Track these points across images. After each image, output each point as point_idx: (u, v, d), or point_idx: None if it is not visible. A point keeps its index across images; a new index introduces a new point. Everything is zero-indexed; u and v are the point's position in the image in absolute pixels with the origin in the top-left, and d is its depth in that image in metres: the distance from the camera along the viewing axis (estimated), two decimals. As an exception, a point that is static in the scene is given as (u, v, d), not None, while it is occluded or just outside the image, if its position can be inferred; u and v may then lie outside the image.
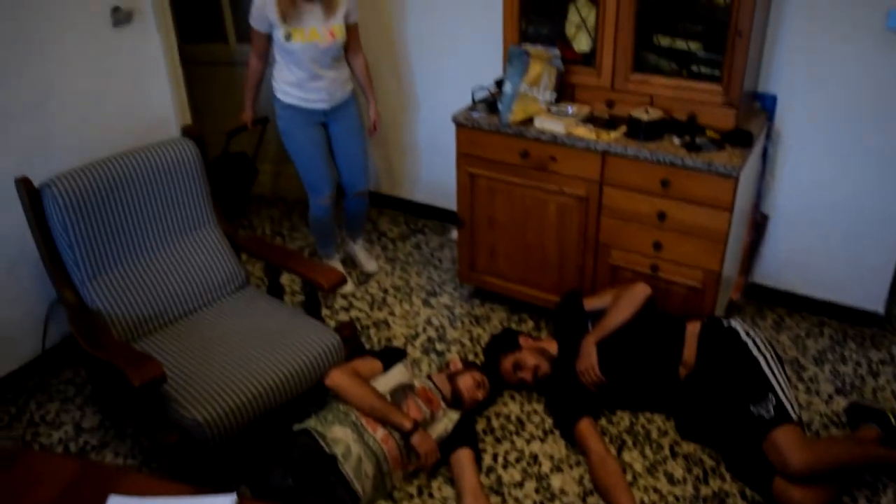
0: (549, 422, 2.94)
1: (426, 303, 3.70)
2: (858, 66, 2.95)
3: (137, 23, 3.22)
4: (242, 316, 2.86)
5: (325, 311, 3.55)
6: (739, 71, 2.78)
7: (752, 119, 3.07)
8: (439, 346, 3.38)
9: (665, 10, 2.94)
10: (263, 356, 2.61)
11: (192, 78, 3.99)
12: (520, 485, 2.66)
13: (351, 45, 3.42)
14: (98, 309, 2.70)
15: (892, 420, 2.67)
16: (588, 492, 2.62)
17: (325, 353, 2.67)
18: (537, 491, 2.64)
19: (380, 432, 2.50)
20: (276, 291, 3.12)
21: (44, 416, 3.03)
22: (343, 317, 3.61)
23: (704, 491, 2.61)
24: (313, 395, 2.70)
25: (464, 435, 2.68)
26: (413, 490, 2.64)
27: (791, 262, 3.45)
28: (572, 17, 3.14)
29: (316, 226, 3.74)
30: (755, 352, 2.69)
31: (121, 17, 3.14)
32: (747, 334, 2.76)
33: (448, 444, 2.64)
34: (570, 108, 3.08)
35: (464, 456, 2.61)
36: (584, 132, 2.97)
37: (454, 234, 4.19)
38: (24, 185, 2.60)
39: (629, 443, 2.83)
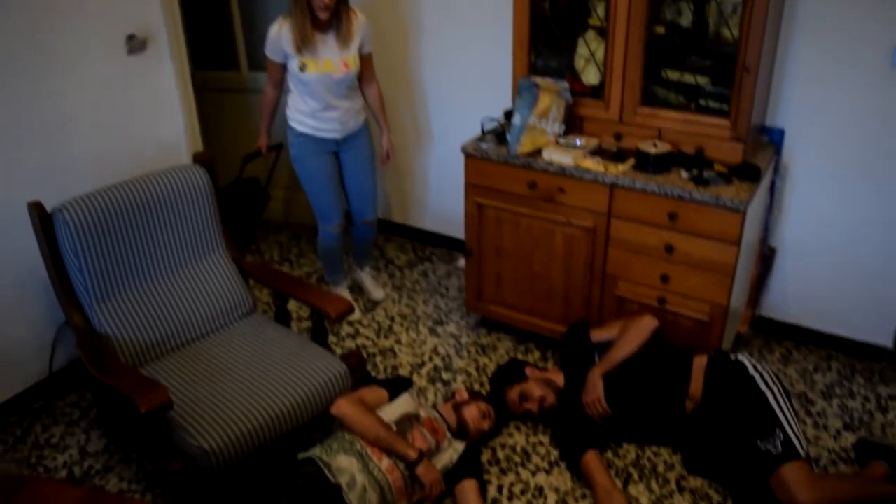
0: (554, 454, 2.92)
1: (432, 331, 3.70)
2: (865, 101, 2.97)
3: (151, 50, 3.27)
4: (249, 343, 2.86)
5: (331, 338, 3.56)
6: (747, 106, 2.80)
7: (760, 152, 3.09)
8: (445, 376, 3.38)
9: (673, 44, 2.97)
10: (270, 384, 2.61)
11: (204, 104, 4.03)
12: (524, 517, 2.65)
13: (365, 74, 3.46)
14: (106, 333, 2.71)
15: (901, 457, 2.66)
16: (593, 526, 2.61)
17: (332, 382, 2.67)
18: (542, 524, 2.62)
19: (385, 462, 2.49)
20: (283, 318, 3.13)
21: (49, 438, 3.03)
22: (349, 344, 3.61)
23: (711, 527, 2.60)
24: (319, 423, 2.70)
25: (469, 466, 2.67)
26: (417, 521, 2.63)
27: (799, 295, 3.45)
28: (581, 51, 3.17)
29: (324, 253, 3.76)
30: (762, 386, 2.68)
31: (135, 45, 3.18)
32: (755, 368, 2.75)
33: (453, 475, 2.63)
34: (579, 140, 3.10)
35: (469, 487, 2.60)
36: (593, 164, 2.98)
37: (461, 262, 4.20)
38: (36, 209, 2.63)
39: (635, 476, 2.81)
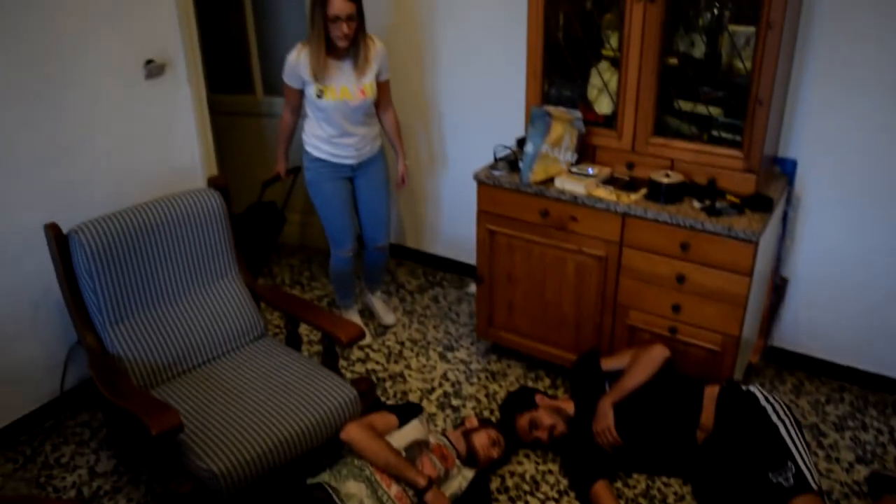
0: (564, 482, 2.91)
1: (443, 357, 3.70)
2: (879, 131, 2.97)
3: (169, 75, 3.31)
4: (260, 366, 2.87)
5: (341, 362, 3.56)
6: (760, 138, 2.81)
7: (773, 183, 3.09)
8: (455, 402, 3.37)
9: (686, 75, 2.98)
10: (280, 408, 2.62)
11: (218, 127, 4.07)
12: (533, 547, 2.63)
13: (382, 101, 3.49)
14: (118, 354, 2.72)
15: (915, 493, 2.63)
16: (602, 557, 2.59)
17: (342, 407, 2.68)
18: (551, 554, 2.60)
19: (394, 489, 2.48)
20: (294, 342, 3.13)
21: (59, 458, 3.04)
22: (359, 368, 3.61)
23: (721, 560, 2.57)
24: (328, 448, 2.69)
25: (478, 494, 2.66)
26: (425, 549, 2.61)
27: (811, 325, 3.44)
28: (594, 81, 3.19)
29: (336, 277, 3.78)
30: (774, 418, 2.66)
31: (153, 70, 3.23)
32: (766, 399, 2.73)
33: (462, 503, 2.61)
34: (591, 170, 3.11)
35: (477, 515, 2.59)
36: (605, 193, 3.00)
37: (472, 287, 4.21)
38: (52, 230, 2.66)
39: (645, 507, 2.80)
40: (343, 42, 3.17)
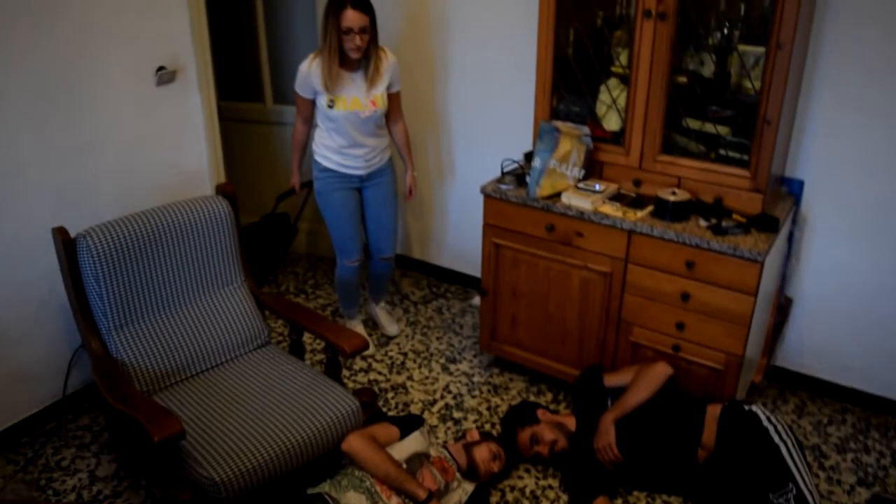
0: (564, 498, 2.90)
1: (445, 369, 3.70)
2: (886, 153, 2.98)
3: (180, 82, 3.33)
4: (263, 375, 2.88)
5: (343, 372, 3.56)
6: (767, 158, 2.81)
7: (779, 203, 3.10)
8: (456, 414, 3.37)
9: (695, 94, 2.99)
10: (282, 417, 2.62)
11: (226, 134, 4.09)
12: (532, 563, 2.63)
13: (392, 112, 3.50)
14: (122, 359, 2.73)
15: (916, 517, 2.62)
16: (601, 574, 2.58)
17: (344, 418, 2.68)
18: (549, 570, 2.60)
19: (394, 501, 2.48)
20: (297, 350, 3.14)
21: (59, 461, 3.04)
22: (361, 378, 3.61)
23: (720, 581, 2.56)
24: (329, 458, 2.69)
25: (478, 508, 2.66)
26: (424, 562, 2.60)
27: (814, 346, 3.43)
28: (603, 97, 3.20)
29: (341, 286, 3.78)
30: (776, 438, 2.66)
31: (165, 77, 3.25)
32: (768, 420, 2.73)
33: (461, 517, 2.62)
34: (598, 186, 3.12)
35: (477, 529, 2.58)
36: (611, 210, 3.00)
37: (476, 300, 4.21)
38: (60, 234, 2.67)
39: (645, 525, 2.79)
40: (356, 54, 3.18)
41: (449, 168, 4.22)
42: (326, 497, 2.44)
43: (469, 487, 2.70)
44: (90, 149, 3.08)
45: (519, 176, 3.31)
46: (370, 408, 2.83)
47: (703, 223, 2.90)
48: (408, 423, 2.82)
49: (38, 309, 3.08)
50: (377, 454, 2.55)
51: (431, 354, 3.82)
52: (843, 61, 2.95)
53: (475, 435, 2.95)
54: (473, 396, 3.50)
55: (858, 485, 2.98)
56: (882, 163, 3.00)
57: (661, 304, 3.00)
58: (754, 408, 2.80)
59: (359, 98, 3.29)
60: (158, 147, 3.34)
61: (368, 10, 3.14)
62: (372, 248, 3.75)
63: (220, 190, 3.10)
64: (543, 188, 3.12)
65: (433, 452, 2.74)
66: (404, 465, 2.58)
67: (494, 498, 2.89)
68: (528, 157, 3.33)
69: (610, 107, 3.19)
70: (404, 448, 2.67)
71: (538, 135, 3.14)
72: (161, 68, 3.22)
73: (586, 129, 3.15)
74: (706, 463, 2.79)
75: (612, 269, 3.07)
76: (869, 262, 3.16)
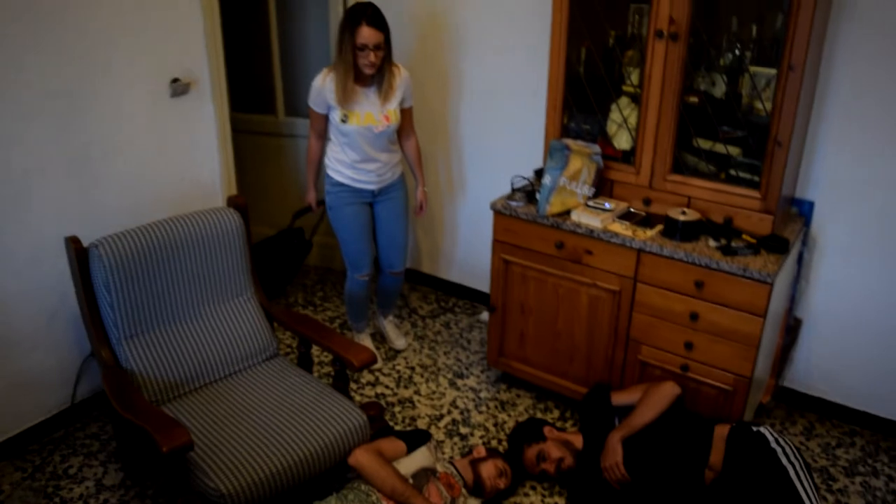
0: (569, 517, 2.90)
1: (452, 384, 3.71)
2: (896, 177, 2.99)
3: (193, 94, 3.36)
4: (271, 387, 2.88)
5: (351, 385, 3.57)
6: (778, 179, 2.82)
7: (789, 224, 3.10)
8: (463, 430, 3.37)
9: (706, 114, 3.00)
10: (290, 430, 2.63)
11: (238, 145, 4.11)
12: (537, 581, 2.62)
13: (404, 127, 3.52)
14: (132, 369, 2.74)
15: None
16: None
17: (351, 432, 2.68)
18: (554, 589, 2.59)
19: (399, 516, 2.48)
20: (305, 363, 3.15)
21: (67, 469, 3.05)
22: (369, 392, 3.62)
23: None
24: (336, 472, 2.70)
25: (483, 524, 2.65)
26: (428, 578, 2.60)
27: (823, 368, 3.42)
28: (614, 116, 3.22)
29: (351, 300, 3.79)
30: (784, 461, 2.64)
31: (179, 89, 3.28)
32: (776, 441, 2.72)
33: (467, 533, 2.61)
34: (608, 204, 3.13)
35: (482, 546, 2.58)
36: (621, 228, 3.01)
37: (484, 315, 4.21)
38: (72, 244, 2.69)
39: (651, 545, 2.77)
40: (370, 70, 3.21)
41: (459, 184, 4.24)
42: (332, 511, 2.45)
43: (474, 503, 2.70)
44: (104, 159, 3.11)
45: (529, 193, 3.32)
46: (377, 422, 2.83)
47: (712, 243, 2.91)
48: (415, 438, 2.82)
49: (49, 318, 3.10)
50: (384, 469, 2.55)
51: (439, 369, 3.83)
52: (854, 83, 2.95)
53: (482, 451, 2.94)
54: (480, 412, 3.50)
55: (866, 509, 2.97)
56: (892, 185, 3.00)
57: (669, 323, 3.00)
58: (762, 429, 2.79)
59: (372, 113, 3.31)
60: (171, 158, 3.37)
61: (383, 28, 3.17)
62: (382, 262, 3.76)
63: (232, 202, 3.12)
64: (553, 205, 3.13)
65: (440, 468, 2.74)
66: (411, 480, 2.59)
67: (500, 515, 2.89)
68: (539, 174, 3.34)
69: (621, 126, 3.20)
70: (411, 463, 2.67)
71: (549, 152, 3.15)
72: (175, 80, 3.26)
73: (597, 148, 3.16)
74: (713, 484, 2.77)
75: (620, 287, 3.07)
76: (879, 285, 3.16)
